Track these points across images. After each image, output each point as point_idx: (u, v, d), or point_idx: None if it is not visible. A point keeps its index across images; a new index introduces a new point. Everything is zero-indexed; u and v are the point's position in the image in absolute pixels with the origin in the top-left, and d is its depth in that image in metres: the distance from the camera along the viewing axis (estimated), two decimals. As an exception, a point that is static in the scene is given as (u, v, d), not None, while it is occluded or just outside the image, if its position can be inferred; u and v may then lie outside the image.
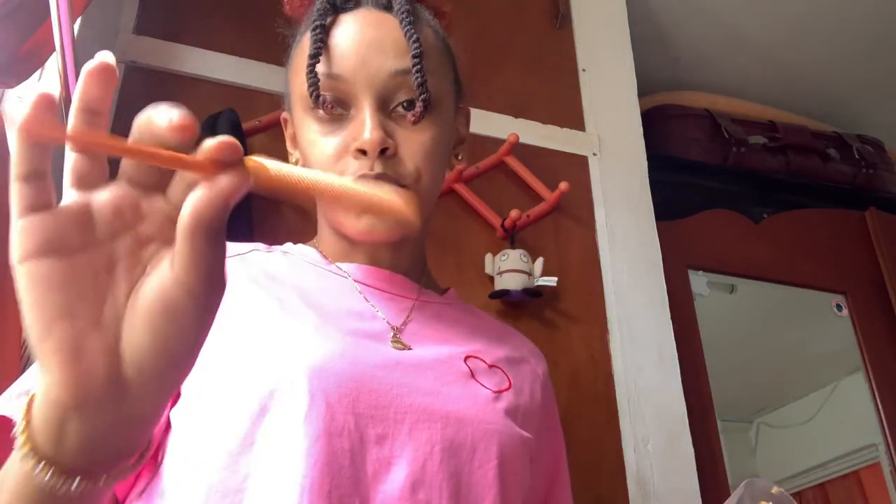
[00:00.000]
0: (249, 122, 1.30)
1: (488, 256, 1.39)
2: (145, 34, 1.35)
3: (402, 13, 0.66)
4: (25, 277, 0.33)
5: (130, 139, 0.33)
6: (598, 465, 1.31)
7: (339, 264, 0.70)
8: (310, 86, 0.64)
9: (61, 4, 0.80)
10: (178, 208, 0.33)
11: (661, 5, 2.01)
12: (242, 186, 0.32)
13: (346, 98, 0.65)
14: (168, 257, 0.34)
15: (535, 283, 1.35)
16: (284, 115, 0.76)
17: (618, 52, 1.78)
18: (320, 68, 0.65)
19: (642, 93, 1.77)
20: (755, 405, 2.37)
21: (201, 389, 0.57)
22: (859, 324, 1.93)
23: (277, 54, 0.76)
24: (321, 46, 0.65)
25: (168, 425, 0.58)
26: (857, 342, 1.92)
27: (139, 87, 1.31)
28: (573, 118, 1.64)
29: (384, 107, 0.65)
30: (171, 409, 0.58)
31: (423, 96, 0.64)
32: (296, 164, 0.74)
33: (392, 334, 0.65)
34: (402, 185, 0.64)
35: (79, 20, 1.11)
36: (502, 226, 1.41)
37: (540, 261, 1.38)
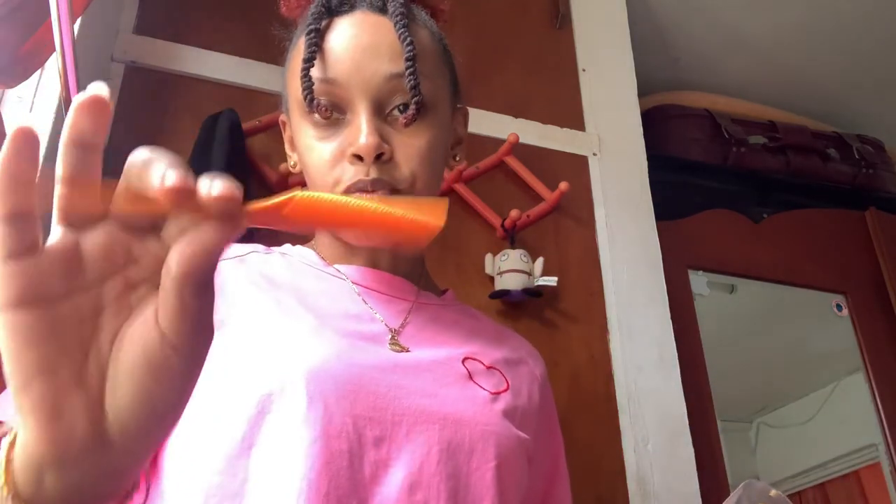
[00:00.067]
0: (249, 122, 1.30)
1: (488, 256, 1.39)
2: (145, 34, 1.35)
3: (397, 15, 0.65)
4: (4, 328, 0.30)
5: (122, 180, 0.31)
6: (598, 465, 1.31)
7: (337, 266, 0.70)
8: (304, 90, 0.64)
9: (61, 4, 0.80)
10: (169, 250, 0.31)
11: (661, 5, 2.01)
12: (234, 235, 0.31)
13: (341, 102, 0.65)
14: (153, 305, 0.32)
15: (535, 283, 1.35)
16: (282, 117, 0.76)
17: (618, 52, 1.78)
18: (315, 72, 0.65)
19: (642, 93, 1.77)
20: (755, 405, 2.37)
21: (199, 392, 0.57)
22: (859, 324, 1.93)
23: (277, 54, 0.76)
24: (315, 50, 0.65)
25: None
26: (857, 342, 1.92)
27: (139, 87, 1.31)
28: (573, 118, 1.64)
29: (380, 111, 0.65)
30: None
31: (415, 99, 0.64)
32: (294, 166, 0.74)
33: (390, 336, 0.64)
34: (397, 190, 0.64)
35: (79, 20, 1.11)
36: (502, 226, 1.41)
37: (540, 261, 1.38)
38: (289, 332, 0.60)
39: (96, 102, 0.30)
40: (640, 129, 1.71)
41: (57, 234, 0.31)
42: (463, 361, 0.66)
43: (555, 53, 1.71)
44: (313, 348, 0.58)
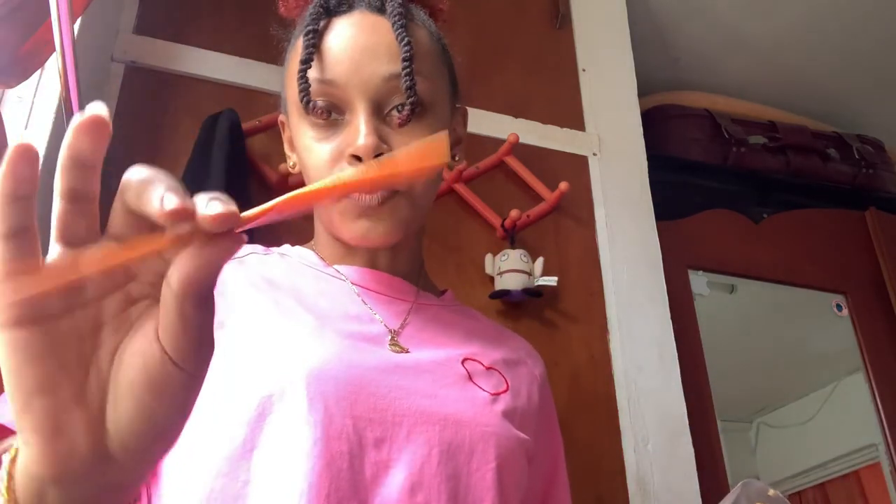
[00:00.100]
0: (249, 122, 1.30)
1: (488, 256, 1.39)
2: (145, 34, 1.35)
3: (395, 16, 0.65)
4: (4, 346, 0.30)
5: (118, 198, 0.31)
6: (598, 465, 1.31)
7: (336, 267, 0.70)
8: (300, 92, 0.64)
9: (61, 4, 0.80)
10: (170, 264, 0.31)
11: (661, 5, 2.01)
12: (234, 250, 0.30)
13: (340, 103, 0.65)
14: (154, 321, 0.32)
15: (536, 283, 1.35)
16: (281, 118, 0.75)
17: (618, 52, 1.78)
18: (314, 73, 0.64)
19: (642, 93, 1.77)
20: (755, 405, 2.37)
21: (199, 396, 0.57)
22: (859, 324, 1.93)
23: (277, 54, 0.76)
24: (313, 52, 0.64)
25: None
26: (857, 342, 1.92)
27: (139, 87, 1.31)
28: (573, 118, 1.64)
29: (378, 111, 0.65)
30: None
31: (410, 100, 0.63)
32: (293, 167, 0.74)
33: (390, 337, 0.64)
34: (395, 192, 0.64)
35: (79, 20, 1.11)
36: (502, 226, 1.41)
37: (540, 261, 1.38)
38: (288, 333, 0.60)
39: (95, 123, 0.29)
40: (640, 129, 1.70)
41: (56, 251, 0.31)
42: (462, 362, 0.66)
43: (555, 53, 1.71)
44: (313, 350, 0.58)
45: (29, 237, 0.29)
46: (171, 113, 1.32)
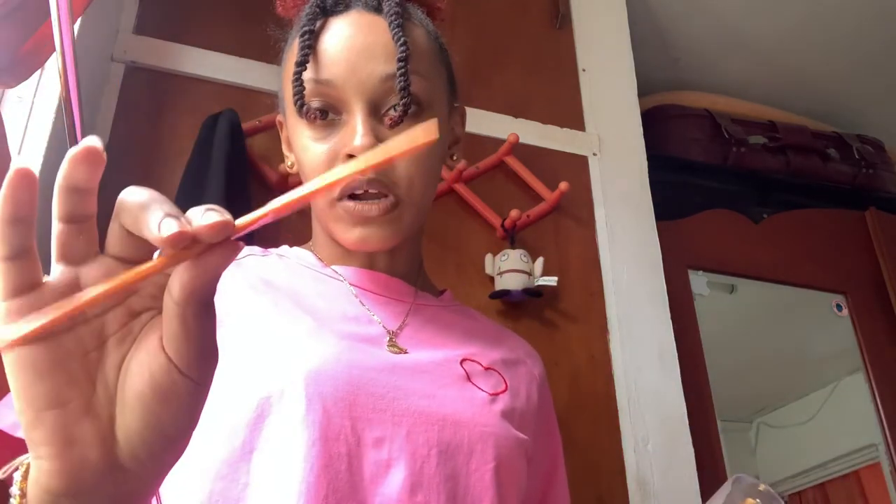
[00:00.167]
0: (249, 122, 1.30)
1: (488, 256, 1.39)
2: (145, 34, 1.35)
3: (392, 15, 0.65)
4: (12, 364, 0.31)
5: (115, 219, 0.32)
6: (598, 465, 1.31)
7: (335, 267, 0.70)
8: (295, 95, 0.64)
9: (61, 4, 0.80)
10: (169, 276, 0.31)
11: (661, 5, 2.01)
12: (232, 257, 0.31)
13: (336, 104, 0.65)
14: (158, 332, 0.33)
15: (536, 283, 1.35)
16: (279, 117, 0.75)
17: (618, 52, 1.78)
18: (310, 74, 0.64)
19: (642, 93, 1.77)
20: (755, 405, 2.37)
21: None
22: (859, 324, 1.93)
23: (277, 54, 0.76)
24: (308, 54, 0.64)
25: None
26: (857, 342, 1.92)
27: (139, 87, 1.31)
28: (573, 118, 1.64)
29: (375, 111, 0.65)
30: None
31: (403, 101, 0.63)
32: (291, 167, 0.74)
33: (388, 338, 0.64)
34: (393, 193, 0.64)
35: (79, 20, 1.11)
36: (502, 226, 1.41)
37: (540, 261, 1.38)
38: (287, 334, 0.60)
39: (90, 153, 0.30)
40: (640, 129, 1.70)
41: (57, 271, 0.32)
42: (461, 363, 0.66)
43: (555, 53, 1.71)
44: (312, 351, 0.58)
45: (29, 258, 0.31)
46: (171, 113, 1.32)
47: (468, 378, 0.65)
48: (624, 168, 1.63)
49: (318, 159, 0.65)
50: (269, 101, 1.30)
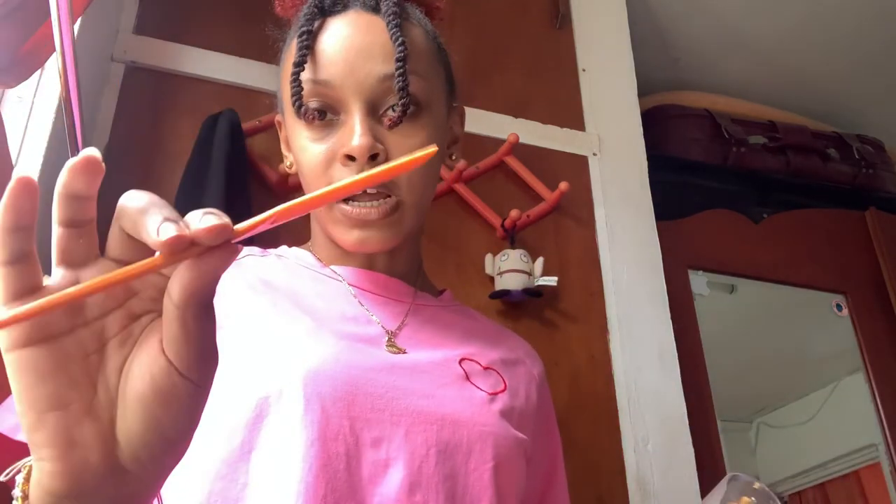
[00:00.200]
0: (249, 122, 1.30)
1: (488, 256, 1.39)
2: (145, 34, 1.35)
3: (389, 15, 0.65)
4: (13, 366, 0.32)
5: (114, 223, 0.32)
6: (598, 465, 1.31)
7: (333, 268, 0.70)
8: (293, 96, 0.63)
9: (61, 4, 0.80)
10: (169, 278, 0.32)
11: (661, 5, 2.01)
12: (231, 259, 0.31)
13: (334, 104, 0.64)
14: (158, 334, 0.33)
15: (536, 283, 1.35)
16: (278, 117, 0.75)
17: (618, 52, 1.78)
18: (308, 74, 0.64)
19: (642, 93, 1.77)
20: (755, 405, 2.37)
21: None
22: (859, 324, 1.93)
23: (277, 54, 0.76)
24: (306, 54, 0.64)
25: None
26: (857, 342, 1.92)
27: (139, 87, 1.31)
28: (573, 118, 1.64)
29: (373, 112, 0.64)
30: None
31: (402, 101, 0.63)
32: (290, 167, 0.74)
33: (387, 339, 0.64)
34: (393, 194, 0.64)
35: (79, 20, 1.11)
36: (502, 226, 1.41)
37: (540, 261, 1.38)
38: (286, 334, 0.60)
39: (89, 162, 0.31)
40: (640, 129, 1.70)
41: (57, 274, 0.32)
42: (460, 362, 0.66)
43: (555, 53, 1.71)
44: (310, 351, 0.58)
45: (30, 262, 0.31)
46: (171, 113, 1.32)
47: (467, 378, 0.65)
48: (624, 168, 1.63)
49: (316, 159, 0.64)
50: (268, 101, 1.30)
